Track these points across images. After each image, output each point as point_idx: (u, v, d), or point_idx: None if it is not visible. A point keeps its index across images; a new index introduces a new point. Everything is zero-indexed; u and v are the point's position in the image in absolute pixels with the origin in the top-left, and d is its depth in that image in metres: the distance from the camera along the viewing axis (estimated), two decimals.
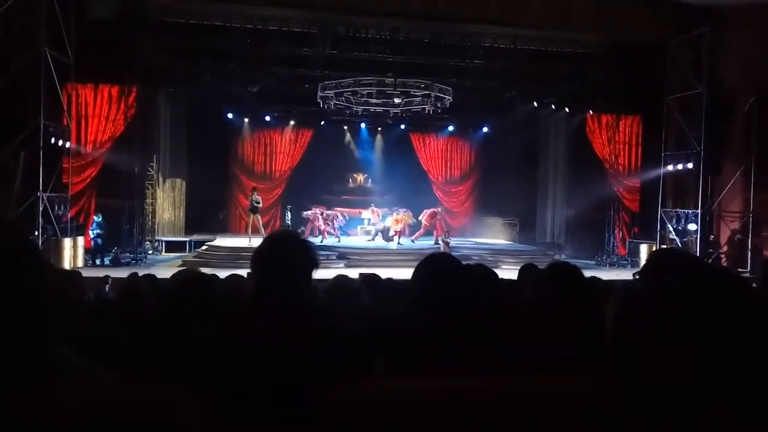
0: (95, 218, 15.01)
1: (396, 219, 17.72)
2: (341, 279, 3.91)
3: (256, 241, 14.68)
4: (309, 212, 18.08)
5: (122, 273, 8.79)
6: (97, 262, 14.70)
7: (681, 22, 15.09)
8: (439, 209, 18.67)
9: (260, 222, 17.23)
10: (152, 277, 5.03)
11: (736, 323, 0.78)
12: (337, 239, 17.80)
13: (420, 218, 18.28)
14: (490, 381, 0.91)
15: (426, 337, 1.87)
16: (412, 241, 18.20)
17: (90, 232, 14.78)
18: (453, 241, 17.28)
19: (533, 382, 0.88)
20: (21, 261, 1.06)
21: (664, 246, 16.16)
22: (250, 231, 16.99)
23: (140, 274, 6.33)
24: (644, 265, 1.66)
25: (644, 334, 0.84)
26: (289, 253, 1.99)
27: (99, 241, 14.92)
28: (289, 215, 18.96)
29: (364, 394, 0.99)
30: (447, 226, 19.79)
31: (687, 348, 0.79)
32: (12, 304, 1.02)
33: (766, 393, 0.76)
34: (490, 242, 19.64)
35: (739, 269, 15.50)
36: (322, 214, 17.92)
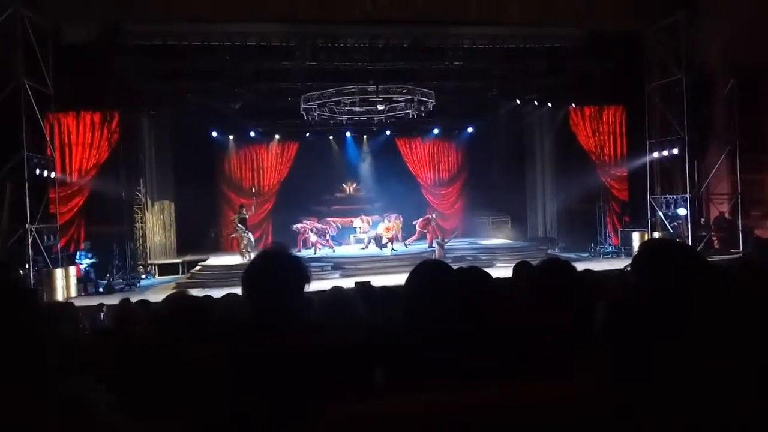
0: (83, 246, 14.92)
1: (387, 227, 17.69)
2: (336, 291, 3.89)
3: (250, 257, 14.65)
4: (298, 225, 18.00)
5: (116, 300, 8.72)
6: (92, 290, 14.57)
7: (657, 10, 15.22)
8: (434, 215, 18.64)
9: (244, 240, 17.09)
10: (146, 302, 5.00)
11: (726, 318, 0.78)
12: (331, 249, 17.75)
13: (414, 223, 18.28)
14: (486, 392, 0.91)
15: (422, 345, 1.86)
16: (406, 245, 18.18)
17: (79, 263, 14.64)
18: (447, 243, 17.28)
19: (532, 389, 0.88)
20: (13, 304, 1.06)
21: (656, 234, 16.25)
22: (241, 248, 16.92)
23: (134, 299, 6.29)
24: (634, 259, 1.66)
25: (634, 333, 0.84)
26: (279, 270, 1.98)
27: (91, 271, 14.81)
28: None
29: (363, 412, 0.98)
30: (442, 231, 19.80)
31: (679, 346, 0.79)
32: (9, 345, 1.02)
33: (761, 386, 0.76)
34: (484, 241, 19.66)
35: (732, 250, 15.63)
36: (312, 229, 17.83)
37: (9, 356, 1.02)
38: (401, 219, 18.41)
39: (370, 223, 19.27)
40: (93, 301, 10.81)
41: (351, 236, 19.70)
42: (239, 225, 16.80)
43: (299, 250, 16.60)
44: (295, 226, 18.02)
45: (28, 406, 1.01)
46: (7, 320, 1.04)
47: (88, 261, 14.75)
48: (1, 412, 0.96)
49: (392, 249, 17.41)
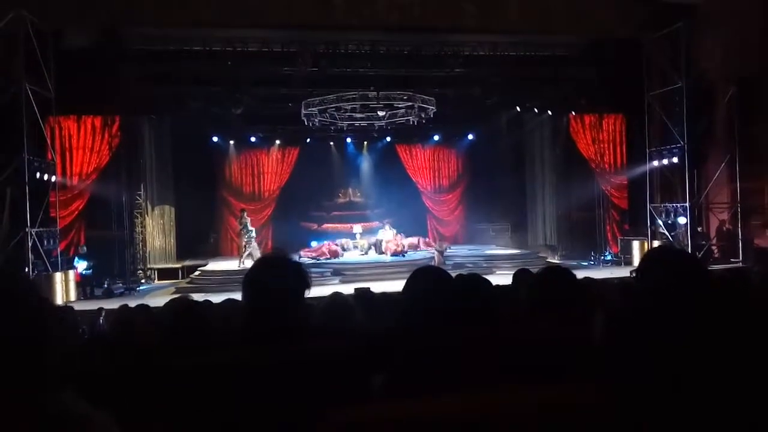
0: (80, 250, 14.94)
1: (392, 241, 17.87)
2: (336, 297, 3.89)
3: (248, 263, 14.63)
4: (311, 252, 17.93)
5: (116, 304, 8.74)
6: (94, 293, 14.54)
7: (657, 19, 15.25)
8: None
9: (243, 244, 17.14)
10: (145, 307, 5.00)
11: (726, 326, 0.79)
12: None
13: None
14: (485, 398, 0.91)
15: (421, 351, 1.86)
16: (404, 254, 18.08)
17: (75, 267, 14.60)
18: (447, 250, 17.32)
19: (531, 394, 0.88)
20: (22, 310, 1.05)
21: (655, 243, 16.23)
22: (243, 254, 16.93)
23: (133, 304, 6.28)
24: (639, 264, 1.65)
25: (634, 340, 0.84)
26: (279, 276, 1.98)
27: (89, 272, 14.78)
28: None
29: (362, 417, 0.99)
30: (440, 236, 19.81)
31: (678, 352, 0.79)
32: (13, 353, 1.02)
33: (761, 392, 0.76)
34: (484, 249, 19.66)
35: (731, 260, 15.62)
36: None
37: (9, 363, 1.02)
38: (395, 232, 18.58)
39: (362, 232, 19.42)
40: (92, 306, 10.80)
41: (350, 242, 19.71)
42: (245, 230, 16.85)
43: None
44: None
45: (21, 418, 1.00)
46: (11, 325, 1.04)
47: (84, 264, 14.70)
48: None
49: (393, 254, 17.46)
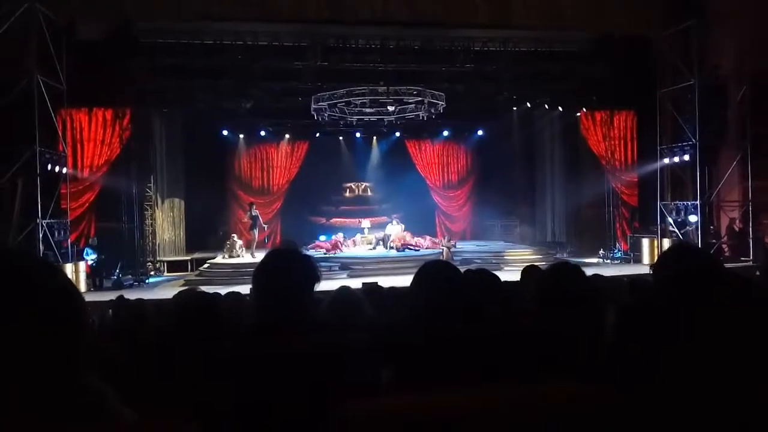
0: (90, 241, 15.04)
1: (399, 237, 17.97)
2: (344, 291, 3.89)
3: (258, 256, 14.70)
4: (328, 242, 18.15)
5: (126, 296, 8.78)
6: (103, 284, 14.63)
7: (669, 15, 15.13)
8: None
9: (256, 238, 17.28)
10: (152, 301, 5.02)
11: (740, 326, 0.78)
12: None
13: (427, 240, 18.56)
14: (490, 393, 0.91)
15: (428, 346, 1.86)
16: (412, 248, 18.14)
17: (86, 258, 14.68)
18: (454, 246, 17.31)
19: (537, 391, 0.88)
20: (59, 297, 1.07)
21: (666, 241, 16.14)
22: (254, 247, 17.02)
23: (142, 296, 6.32)
24: (658, 259, 1.64)
25: (644, 340, 0.83)
26: (289, 269, 1.98)
27: (94, 264, 14.87)
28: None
29: (370, 411, 0.99)
30: (448, 232, 19.79)
31: (687, 354, 0.79)
32: (49, 335, 1.03)
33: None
34: (492, 244, 19.62)
35: (742, 258, 15.50)
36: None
37: (45, 342, 1.04)
38: (403, 226, 18.66)
39: (371, 227, 19.49)
40: (102, 297, 10.86)
41: (359, 235, 19.72)
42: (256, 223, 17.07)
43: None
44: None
45: (55, 398, 1.02)
46: (49, 309, 1.06)
47: (93, 257, 14.79)
48: (30, 402, 0.97)
49: (398, 250, 17.50)
